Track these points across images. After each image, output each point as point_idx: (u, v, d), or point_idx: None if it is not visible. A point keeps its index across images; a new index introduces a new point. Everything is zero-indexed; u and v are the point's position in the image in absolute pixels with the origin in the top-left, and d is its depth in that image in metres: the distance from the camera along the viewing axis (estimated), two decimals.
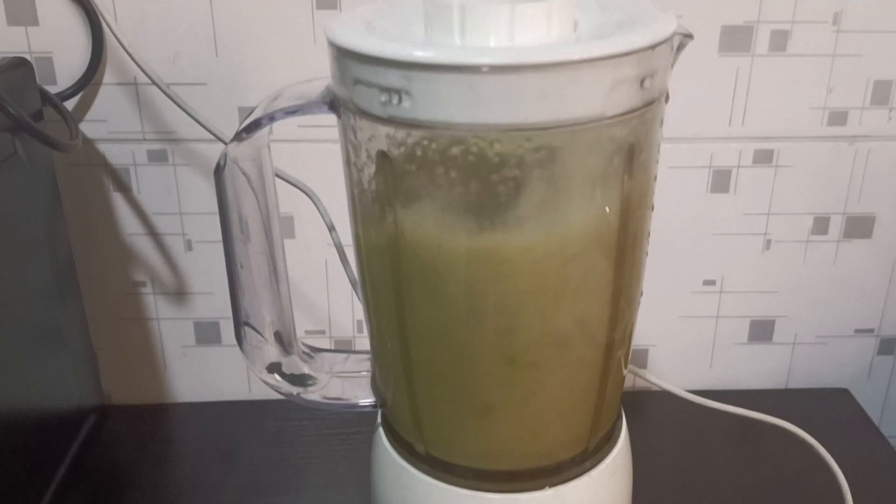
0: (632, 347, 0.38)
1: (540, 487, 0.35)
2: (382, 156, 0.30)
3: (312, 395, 0.38)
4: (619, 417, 0.39)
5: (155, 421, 0.59)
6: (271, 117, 0.32)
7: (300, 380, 0.39)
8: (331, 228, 0.46)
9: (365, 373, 0.40)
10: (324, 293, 0.57)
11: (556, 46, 0.29)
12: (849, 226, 0.56)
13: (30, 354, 0.47)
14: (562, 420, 0.36)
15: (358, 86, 0.29)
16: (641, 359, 0.60)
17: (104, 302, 0.57)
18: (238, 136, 0.32)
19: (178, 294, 0.57)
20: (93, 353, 0.57)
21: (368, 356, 0.40)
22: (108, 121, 0.52)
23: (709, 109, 0.53)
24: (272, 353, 0.38)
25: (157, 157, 0.53)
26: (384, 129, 0.29)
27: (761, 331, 0.59)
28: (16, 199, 0.45)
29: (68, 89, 0.50)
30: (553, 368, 0.34)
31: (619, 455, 0.38)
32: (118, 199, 0.54)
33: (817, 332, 0.60)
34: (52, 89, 0.50)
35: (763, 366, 0.60)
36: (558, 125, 0.28)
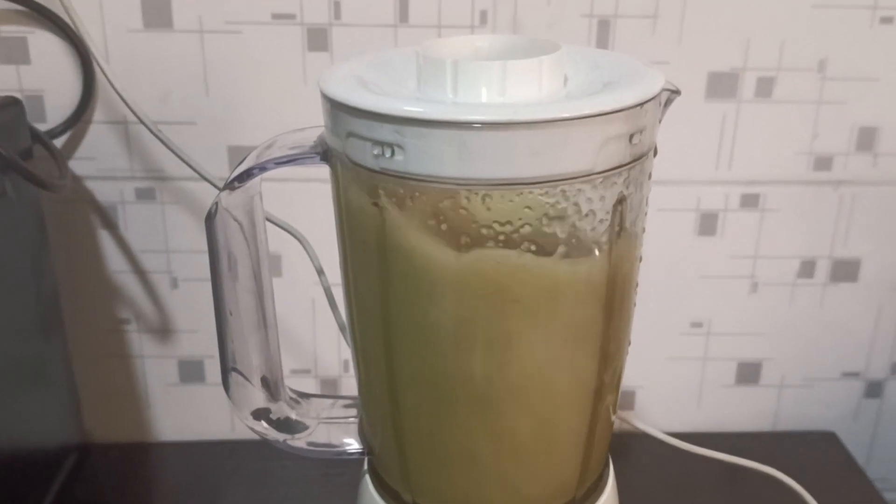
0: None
1: None
2: (374, 205, 0.30)
3: (299, 441, 0.38)
4: (607, 465, 0.39)
5: (137, 460, 0.58)
6: (263, 167, 0.32)
7: (287, 426, 0.38)
8: (320, 273, 0.46)
9: (352, 419, 0.39)
10: (310, 332, 0.57)
11: (547, 104, 0.29)
12: (835, 269, 0.57)
13: (11, 391, 0.46)
14: (550, 469, 0.36)
15: (351, 138, 0.29)
16: (629, 400, 0.60)
17: (88, 339, 0.56)
18: (230, 185, 0.32)
19: (163, 332, 0.57)
20: (75, 391, 0.56)
21: (355, 401, 0.40)
22: (96, 158, 0.52)
23: (696, 153, 0.54)
24: (259, 398, 0.38)
25: (145, 196, 0.53)
26: (376, 181, 0.30)
27: (748, 373, 0.59)
28: (2, 235, 0.45)
29: (58, 127, 0.50)
30: (541, 417, 0.34)
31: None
32: (105, 237, 0.54)
33: (804, 374, 0.60)
34: (42, 127, 0.50)
35: (750, 408, 0.60)
36: (549, 180, 0.28)
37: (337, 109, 0.30)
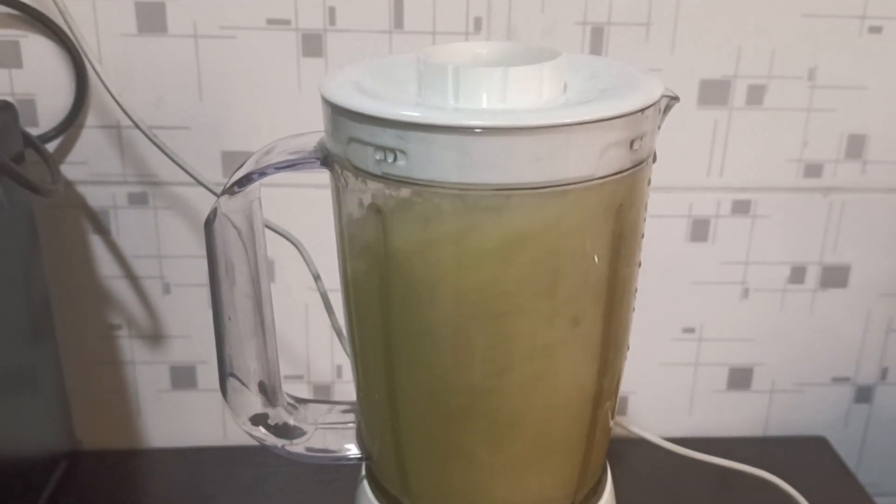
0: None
1: None
2: (375, 211, 0.30)
3: (297, 447, 0.38)
4: (605, 470, 0.39)
5: (128, 467, 0.57)
6: (262, 172, 0.32)
7: (285, 431, 0.38)
8: (316, 278, 0.46)
9: (350, 424, 0.39)
10: (303, 337, 0.57)
11: (549, 110, 0.29)
12: (825, 275, 0.57)
13: (1, 397, 0.46)
14: (549, 474, 0.36)
15: (353, 143, 0.29)
16: (622, 406, 0.60)
17: (79, 344, 0.56)
18: (229, 191, 0.32)
19: (155, 338, 0.56)
20: (66, 397, 0.56)
21: (352, 407, 0.40)
22: (88, 163, 0.52)
23: (688, 160, 0.54)
24: (257, 404, 0.38)
25: (138, 200, 0.53)
26: (378, 186, 0.30)
27: (740, 378, 0.60)
28: None
29: (51, 131, 0.50)
30: (541, 423, 0.34)
31: None
32: (97, 242, 0.54)
33: (795, 379, 0.60)
34: (35, 131, 0.49)
35: (741, 413, 0.61)
36: (549, 185, 0.29)
37: (338, 115, 0.30)
